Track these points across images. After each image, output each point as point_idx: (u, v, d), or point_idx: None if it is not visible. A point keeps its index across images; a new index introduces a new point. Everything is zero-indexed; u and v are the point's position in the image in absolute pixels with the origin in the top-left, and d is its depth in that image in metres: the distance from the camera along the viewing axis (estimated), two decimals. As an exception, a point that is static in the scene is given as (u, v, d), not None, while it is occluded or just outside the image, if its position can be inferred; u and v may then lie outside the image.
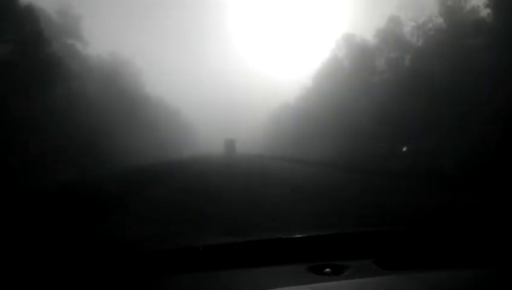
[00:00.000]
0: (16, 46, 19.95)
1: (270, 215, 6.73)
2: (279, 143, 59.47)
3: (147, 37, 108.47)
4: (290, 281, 1.39)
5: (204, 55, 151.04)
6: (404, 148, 21.97)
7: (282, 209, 7.58)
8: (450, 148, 18.25)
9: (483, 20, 23.41)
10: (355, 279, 1.40)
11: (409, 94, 24.85)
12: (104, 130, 26.18)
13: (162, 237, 4.48)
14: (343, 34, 38.67)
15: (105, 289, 1.46)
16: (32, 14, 21.13)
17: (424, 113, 22.78)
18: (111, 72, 33.44)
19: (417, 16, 29.63)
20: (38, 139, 18.23)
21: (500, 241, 1.80)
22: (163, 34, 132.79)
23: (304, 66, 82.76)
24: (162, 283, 1.50)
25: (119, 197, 9.03)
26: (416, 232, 1.93)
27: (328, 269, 1.48)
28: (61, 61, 24.15)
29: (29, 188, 11.71)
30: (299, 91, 51.43)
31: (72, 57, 28.36)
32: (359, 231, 1.89)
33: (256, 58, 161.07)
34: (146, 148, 38.11)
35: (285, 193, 10.47)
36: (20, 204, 8.20)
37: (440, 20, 27.44)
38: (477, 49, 21.68)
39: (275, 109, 67.85)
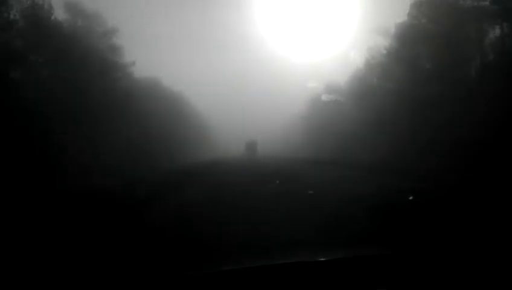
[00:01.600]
0: None
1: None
2: (316, 142, 44.99)
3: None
4: None
5: (220, 50, 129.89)
6: None
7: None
8: None
9: None
10: None
11: None
12: None
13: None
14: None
15: None
16: None
17: None
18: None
19: None
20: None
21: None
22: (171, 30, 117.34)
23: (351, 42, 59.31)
24: None
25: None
26: (419, 256, 1.97)
27: None
28: None
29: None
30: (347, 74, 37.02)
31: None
32: (368, 255, 2.00)
33: (281, 43, 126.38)
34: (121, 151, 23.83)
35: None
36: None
37: None
38: None
39: (307, 99, 52.43)
